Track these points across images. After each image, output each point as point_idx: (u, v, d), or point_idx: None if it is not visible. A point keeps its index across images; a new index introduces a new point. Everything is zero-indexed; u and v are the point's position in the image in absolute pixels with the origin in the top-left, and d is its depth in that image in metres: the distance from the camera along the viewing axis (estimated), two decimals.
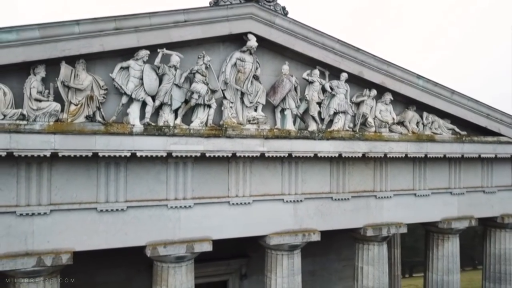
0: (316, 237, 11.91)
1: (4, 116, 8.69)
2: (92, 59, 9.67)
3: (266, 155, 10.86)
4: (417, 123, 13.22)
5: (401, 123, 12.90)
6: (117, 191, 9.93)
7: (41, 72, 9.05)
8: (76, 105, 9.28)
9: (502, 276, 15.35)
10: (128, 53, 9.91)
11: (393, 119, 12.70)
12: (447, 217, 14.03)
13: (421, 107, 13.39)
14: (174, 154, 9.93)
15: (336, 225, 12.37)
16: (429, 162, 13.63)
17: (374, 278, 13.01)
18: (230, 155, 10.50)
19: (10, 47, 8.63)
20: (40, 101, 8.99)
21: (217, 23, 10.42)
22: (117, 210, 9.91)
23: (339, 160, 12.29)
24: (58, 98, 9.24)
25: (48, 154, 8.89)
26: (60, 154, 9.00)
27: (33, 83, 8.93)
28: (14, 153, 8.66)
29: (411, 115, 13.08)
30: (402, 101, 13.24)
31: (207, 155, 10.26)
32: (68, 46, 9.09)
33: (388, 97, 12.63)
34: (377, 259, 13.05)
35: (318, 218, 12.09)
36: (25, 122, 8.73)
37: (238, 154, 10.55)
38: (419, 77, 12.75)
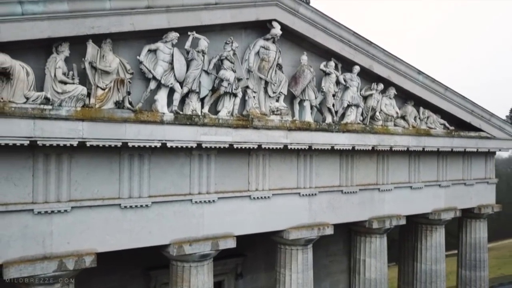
0: (329, 231, 12.01)
1: (27, 99, 7.68)
2: (115, 40, 8.89)
3: (289, 147, 10.73)
4: (415, 117, 13.88)
5: (402, 117, 13.45)
6: (140, 185, 9.22)
7: (65, 51, 8.14)
8: (103, 89, 8.47)
9: (477, 264, 16.62)
10: (154, 35, 9.24)
11: (397, 113, 13.21)
12: (436, 208, 14.88)
13: (418, 102, 14.07)
14: (204, 145, 9.45)
15: (345, 218, 12.58)
16: (422, 155, 14.37)
17: (376, 270, 13.42)
18: (256, 146, 10.22)
19: (35, 20, 7.65)
20: (65, 83, 8.08)
21: (245, 8, 10.10)
22: (141, 206, 9.20)
23: (348, 153, 12.50)
24: (81, 81, 8.40)
25: (75, 143, 8.01)
26: (88, 144, 8.15)
27: (59, 63, 8.01)
28: (38, 142, 7.69)
29: (410, 109, 13.70)
30: (401, 96, 13.80)
31: (235, 146, 9.90)
32: (98, 23, 8.26)
33: (392, 91, 13.11)
34: (379, 251, 13.47)
35: (330, 211, 12.20)
36: (50, 106, 7.77)
37: (263, 146, 10.31)
38: (420, 72, 13.38)
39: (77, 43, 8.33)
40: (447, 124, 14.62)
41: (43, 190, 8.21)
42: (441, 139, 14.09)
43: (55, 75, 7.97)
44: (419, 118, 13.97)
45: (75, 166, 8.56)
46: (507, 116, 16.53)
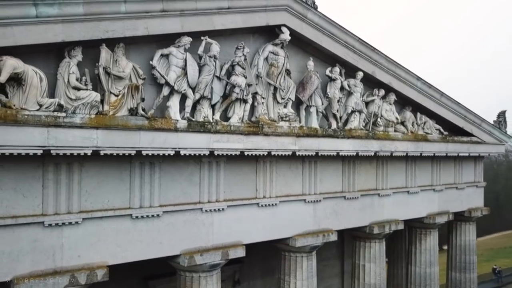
0: (334, 237, 12.07)
1: (40, 106, 7.36)
2: (126, 44, 8.62)
3: (297, 153, 10.71)
4: (412, 123, 14.14)
5: (401, 123, 13.67)
6: (151, 194, 8.99)
7: (78, 55, 7.84)
8: (116, 95, 8.21)
9: (466, 266, 17.09)
10: (164, 39, 9.04)
11: (397, 118, 13.42)
12: (431, 212, 15.20)
13: (415, 108, 14.34)
14: (216, 153, 9.31)
15: (348, 224, 12.67)
16: (418, 160, 14.65)
17: (376, 275, 13.59)
18: (266, 153, 10.16)
19: (48, 24, 7.33)
20: (78, 89, 7.79)
21: (256, 12, 10.02)
22: (152, 216, 8.98)
23: (350, 159, 12.60)
24: (92, 87, 8.12)
25: (89, 152, 7.73)
26: (102, 153, 7.88)
27: (72, 68, 7.70)
28: (52, 151, 7.38)
29: (409, 115, 13.95)
30: (399, 102, 14.03)
31: (246, 153, 9.81)
32: (112, 27, 8.00)
33: (392, 97, 13.31)
34: (378, 256, 13.64)
35: (333, 217, 12.26)
36: (63, 114, 7.46)
37: (273, 153, 10.26)
38: (419, 78, 13.64)
39: (88, 47, 8.05)
40: (441, 130, 14.97)
41: (53, 201, 7.88)
42: (437, 144, 14.40)
43: (68, 81, 7.67)
44: (417, 124, 14.24)
45: (86, 175, 8.26)
46: (494, 121, 17.04)
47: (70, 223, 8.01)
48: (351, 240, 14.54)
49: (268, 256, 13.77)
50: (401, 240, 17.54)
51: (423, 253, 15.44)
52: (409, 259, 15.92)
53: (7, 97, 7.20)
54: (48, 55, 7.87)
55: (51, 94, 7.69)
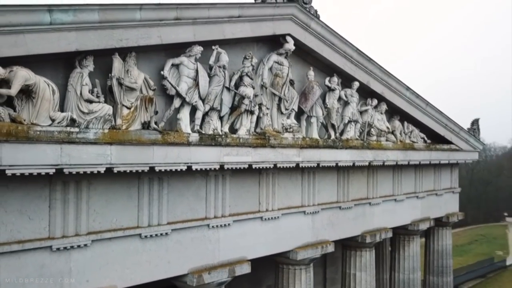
0: (331, 248, 12.14)
1: (53, 121, 6.84)
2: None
3: (301, 165, 10.69)
4: (400, 132, 14.50)
5: (391, 132, 13.99)
6: (159, 212, 8.63)
7: (90, 65, 7.37)
8: (129, 108, 7.80)
9: (444, 270, 17.78)
10: (173, 48, 8.71)
11: (388, 128, 13.71)
12: (414, 219, 15.67)
13: (402, 117, 14.72)
14: (226, 167, 9.09)
15: (343, 234, 12.79)
16: (404, 168, 15.05)
17: (367, 284, 13.81)
18: (272, 166, 10.05)
19: (62, 31, 6.83)
20: (90, 102, 7.33)
21: (264, 21, 9.87)
22: (161, 234, 8.62)
23: (344, 169, 12.74)
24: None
25: (102, 170, 7.29)
26: (115, 170, 7.46)
27: (85, 79, 7.23)
28: (65, 170, 6.89)
29: (397, 124, 14.29)
30: (388, 111, 14.34)
31: (254, 166, 9.65)
32: (126, 36, 7.58)
33: (384, 107, 13.58)
34: (369, 264, 13.88)
35: (330, 228, 12.34)
36: (76, 129, 6.98)
37: (278, 165, 10.16)
38: (408, 88, 14.01)
39: (97, 56, 7.58)
40: (425, 138, 15.46)
41: (61, 223, 7.37)
42: (422, 153, 14.87)
43: (81, 93, 7.19)
44: (404, 133, 14.63)
45: (94, 193, 7.79)
46: (468, 129, 17.82)
47: (78, 246, 7.52)
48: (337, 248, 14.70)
49: (256, 267, 13.62)
50: (383, 246, 17.96)
51: (406, 259, 15.88)
52: (392, 265, 16.33)
53: (15, 111, 6.64)
54: (57, 64, 7.35)
55: (60, 107, 7.18)
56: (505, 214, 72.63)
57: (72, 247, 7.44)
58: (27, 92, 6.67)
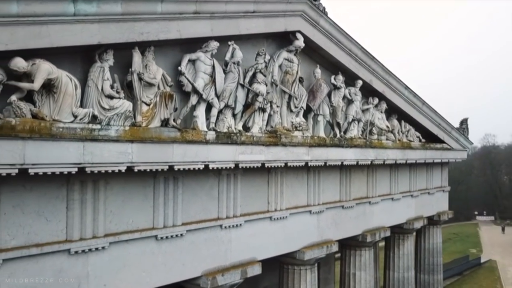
0: (335, 248, 12.22)
1: (75, 117, 6.59)
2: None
3: (310, 164, 10.71)
4: (398, 131, 14.74)
5: (391, 131, 14.20)
6: (174, 212, 8.46)
7: (110, 59, 7.15)
8: (148, 104, 7.61)
9: (434, 268, 18.19)
10: (188, 43, 8.55)
11: (387, 127, 13.90)
12: (409, 218, 15.97)
13: (400, 116, 14.97)
14: (240, 165, 9.01)
15: (345, 233, 12.89)
16: (400, 167, 15.32)
17: (366, 283, 13.97)
18: (283, 165, 10.02)
19: (85, 23, 6.58)
20: (111, 98, 7.10)
21: (276, 17, 9.82)
22: (176, 236, 8.46)
23: (347, 168, 12.85)
24: None
25: (123, 169, 7.09)
26: (136, 169, 7.26)
27: (107, 74, 7.00)
28: (87, 169, 6.66)
29: (396, 123, 14.52)
30: (386, 110, 14.55)
31: (266, 165, 9.60)
32: (147, 29, 7.38)
33: (384, 105, 13.77)
34: (368, 263, 14.04)
35: (333, 227, 12.41)
36: (98, 126, 6.76)
37: (289, 164, 10.15)
38: (406, 87, 14.25)
39: (115, 50, 7.36)
40: (421, 137, 15.77)
41: (78, 225, 7.12)
42: (418, 152, 15.16)
43: (102, 88, 6.95)
44: (401, 132, 14.87)
45: (110, 193, 7.56)
46: (458, 128, 18.29)
47: (96, 249, 7.28)
48: None
49: None
50: (375, 245, 18.19)
51: (401, 258, 16.16)
52: (387, 264, 16.58)
53: (35, 106, 6.36)
54: (75, 58, 7.09)
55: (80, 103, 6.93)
56: (476, 213, 75.25)
57: (90, 250, 7.20)
58: (47, 87, 6.40)
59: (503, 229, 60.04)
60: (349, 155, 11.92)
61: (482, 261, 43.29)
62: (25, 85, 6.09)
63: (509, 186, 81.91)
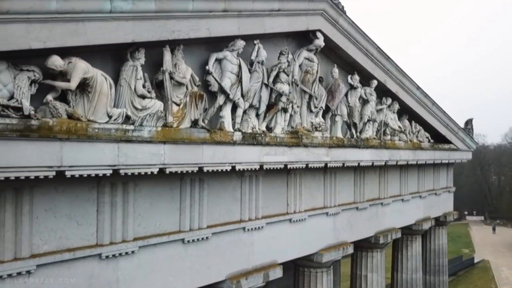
0: (351, 250, 12.23)
1: (110, 117, 6.48)
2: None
3: (329, 165, 10.70)
4: (408, 131, 14.83)
5: (403, 132, 14.27)
6: (200, 214, 8.38)
7: (142, 58, 7.04)
8: (178, 105, 7.51)
9: (440, 269, 18.34)
10: (213, 42, 8.47)
11: (399, 127, 13.97)
12: (418, 219, 16.08)
13: (410, 116, 15.06)
14: (265, 167, 8.96)
15: (360, 235, 12.92)
16: (410, 168, 15.41)
17: (378, 285, 14.02)
18: (304, 166, 10.00)
19: (120, 20, 6.47)
20: (143, 98, 7.00)
21: (299, 16, 9.78)
22: (202, 239, 8.37)
23: (360, 169, 12.88)
24: None
25: (155, 170, 7.00)
26: (167, 171, 7.17)
27: (139, 73, 6.89)
28: (121, 171, 6.55)
29: (407, 123, 14.60)
30: (398, 111, 14.62)
31: (289, 166, 9.57)
32: (178, 27, 7.28)
33: (396, 106, 13.83)
34: (380, 265, 14.10)
35: (348, 229, 12.43)
36: (131, 127, 6.64)
37: (310, 165, 10.12)
38: (418, 88, 14.33)
39: (146, 49, 7.26)
40: (430, 138, 15.89)
41: (109, 228, 7.00)
42: (428, 152, 15.27)
43: (135, 88, 6.84)
44: (412, 132, 14.96)
45: (139, 196, 7.46)
46: (463, 129, 18.49)
47: (126, 253, 7.17)
48: None
49: None
50: None
51: (409, 259, 16.26)
52: (395, 265, 16.66)
53: (69, 106, 6.23)
54: (105, 57, 6.96)
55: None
56: (466, 213, 76.23)
57: (120, 254, 7.08)
58: (82, 86, 6.27)
59: (493, 229, 60.89)
60: (365, 156, 11.95)
61: (475, 261, 43.81)
62: (62, 84, 5.96)
63: (498, 186, 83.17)
